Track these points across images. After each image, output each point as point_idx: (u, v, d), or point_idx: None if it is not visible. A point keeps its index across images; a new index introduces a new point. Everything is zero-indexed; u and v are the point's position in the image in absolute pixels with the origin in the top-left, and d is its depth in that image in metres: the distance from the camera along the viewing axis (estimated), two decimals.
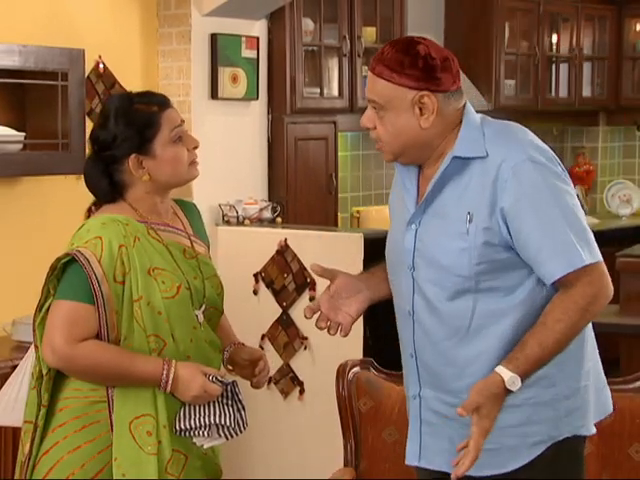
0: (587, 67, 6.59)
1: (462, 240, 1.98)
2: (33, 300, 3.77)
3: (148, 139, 2.18)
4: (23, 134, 3.59)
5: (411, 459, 2.14)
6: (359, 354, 3.63)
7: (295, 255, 3.89)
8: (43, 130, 3.66)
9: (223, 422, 2.17)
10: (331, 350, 3.74)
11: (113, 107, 2.22)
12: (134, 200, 2.23)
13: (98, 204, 2.26)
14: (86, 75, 3.80)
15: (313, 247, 3.87)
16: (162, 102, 2.24)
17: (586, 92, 6.60)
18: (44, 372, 2.16)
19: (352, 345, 3.71)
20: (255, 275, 3.99)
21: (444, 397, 2.05)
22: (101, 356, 2.12)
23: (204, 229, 2.40)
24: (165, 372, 2.12)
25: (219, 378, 2.16)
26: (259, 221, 4.17)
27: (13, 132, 3.56)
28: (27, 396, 2.23)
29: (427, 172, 2.08)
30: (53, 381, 2.19)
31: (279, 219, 4.24)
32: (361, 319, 3.70)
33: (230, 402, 2.19)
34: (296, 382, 3.91)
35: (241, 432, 2.22)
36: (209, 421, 2.15)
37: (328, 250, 3.85)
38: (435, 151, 2.05)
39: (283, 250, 3.91)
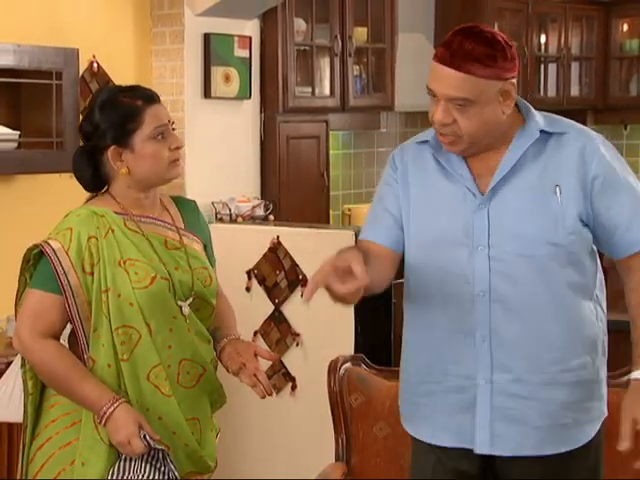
0: (575, 67, 6.64)
1: (554, 211, 2.04)
2: None
3: (128, 132, 2.18)
4: (18, 132, 3.60)
5: (482, 448, 2.10)
6: (350, 350, 3.66)
7: (287, 252, 3.92)
8: (38, 129, 3.67)
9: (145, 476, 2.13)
10: (323, 346, 3.78)
11: (99, 99, 2.23)
12: (117, 194, 2.23)
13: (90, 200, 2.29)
14: (80, 74, 3.81)
15: (305, 244, 3.89)
16: (148, 97, 2.22)
17: (574, 91, 6.65)
18: (24, 361, 2.21)
19: (343, 341, 3.75)
20: (248, 272, 4.01)
21: (524, 376, 2.06)
22: (55, 362, 2.13)
23: (202, 225, 2.39)
24: (106, 407, 2.10)
25: (148, 439, 2.11)
26: (252, 219, 4.20)
27: (8, 131, 3.58)
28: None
29: (483, 155, 2.07)
30: None
31: (271, 217, 4.27)
32: (352, 316, 3.78)
33: (163, 469, 2.15)
34: (288, 378, 3.94)
35: None
36: (139, 478, 2.12)
37: (320, 247, 3.87)
38: (498, 135, 2.07)
39: (275, 247, 3.94)
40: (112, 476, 2.12)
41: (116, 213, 2.21)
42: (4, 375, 2.81)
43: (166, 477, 2.14)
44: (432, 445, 2.17)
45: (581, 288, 2.08)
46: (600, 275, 2.15)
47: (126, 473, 2.12)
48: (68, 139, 3.67)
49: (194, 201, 2.44)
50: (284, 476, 3.94)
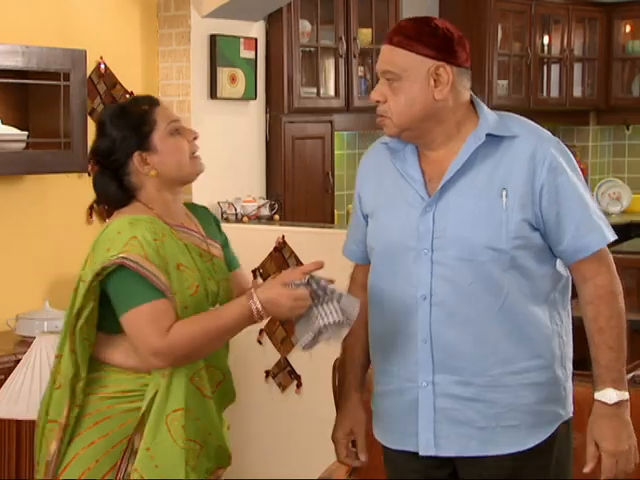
0: (578, 68, 6.67)
1: (498, 215, 2.01)
2: (36, 296, 3.87)
3: (146, 135, 2.20)
4: (26, 133, 3.63)
5: (426, 450, 2.09)
6: None
7: (292, 252, 3.95)
8: (46, 129, 3.70)
9: (333, 319, 2.06)
10: (328, 345, 3.81)
11: (105, 116, 2.25)
12: (148, 200, 2.22)
13: (99, 203, 2.29)
14: (88, 75, 3.85)
15: (310, 244, 3.92)
16: (151, 101, 2.26)
17: (577, 92, 6.68)
18: (82, 375, 2.16)
19: None
20: (253, 271, 4.03)
21: (468, 379, 2.04)
22: (193, 329, 2.10)
23: (218, 228, 2.38)
24: (252, 304, 2.07)
25: (297, 283, 2.07)
26: (257, 218, 4.22)
27: (16, 131, 3.61)
28: (48, 396, 2.22)
29: (434, 155, 2.09)
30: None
31: (277, 216, 4.30)
32: None
33: (326, 297, 2.07)
34: (293, 376, 3.97)
35: (356, 312, 2.07)
36: (323, 322, 2.06)
37: (325, 247, 3.88)
38: (444, 129, 2.07)
39: (281, 247, 3.97)
40: (302, 341, 2.09)
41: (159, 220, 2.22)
42: (13, 372, 2.83)
43: (343, 310, 2.07)
44: (393, 449, 2.18)
45: (529, 291, 2.04)
46: (560, 277, 2.10)
47: (320, 318, 2.06)
48: (76, 140, 3.71)
49: (205, 207, 2.44)
50: (289, 474, 3.96)
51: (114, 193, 2.23)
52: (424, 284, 2.05)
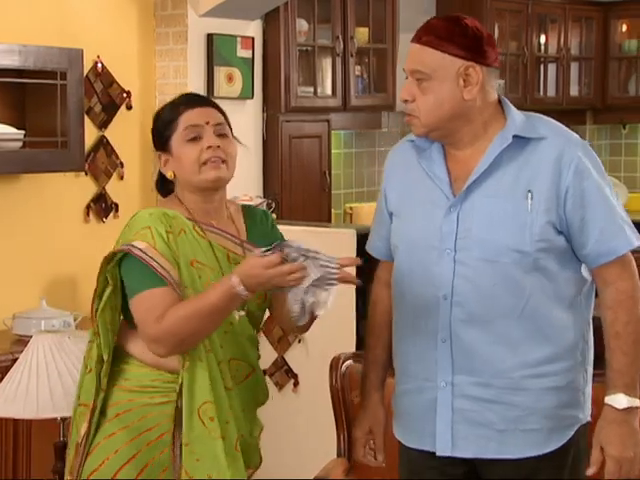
0: (574, 67, 6.68)
1: (523, 217, 2.01)
2: (32, 295, 3.88)
3: (166, 138, 2.23)
4: (23, 132, 3.64)
5: (443, 450, 2.08)
6: (352, 347, 3.69)
7: None
8: (42, 128, 3.71)
9: (315, 276, 2.01)
10: (324, 343, 3.81)
11: (160, 107, 2.30)
12: (182, 196, 2.26)
13: (98, 201, 2.30)
14: (85, 74, 3.86)
15: (307, 243, 3.91)
16: (189, 101, 2.27)
17: (573, 91, 6.69)
18: (105, 358, 2.20)
19: (345, 338, 3.78)
20: None
21: (487, 380, 2.04)
22: (184, 313, 2.10)
23: (269, 234, 2.32)
24: (231, 280, 2.05)
25: (262, 250, 2.04)
26: None
27: (13, 130, 3.62)
28: (80, 380, 2.26)
29: (460, 154, 2.08)
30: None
31: (274, 215, 4.29)
32: (354, 313, 3.81)
33: (300, 258, 2.02)
34: (290, 374, 3.98)
35: (335, 267, 2.01)
36: (305, 284, 2.00)
37: (321, 246, 3.84)
38: (472, 129, 2.06)
39: None
40: (294, 310, 2.04)
41: (184, 217, 2.24)
42: (10, 371, 2.84)
43: (322, 265, 2.03)
44: (408, 447, 2.18)
45: (553, 294, 2.04)
46: (584, 281, 2.10)
47: (297, 294, 2.02)
48: (72, 138, 3.72)
49: (262, 210, 2.42)
50: (286, 473, 3.97)
51: (158, 179, 2.32)
52: (446, 284, 2.05)
